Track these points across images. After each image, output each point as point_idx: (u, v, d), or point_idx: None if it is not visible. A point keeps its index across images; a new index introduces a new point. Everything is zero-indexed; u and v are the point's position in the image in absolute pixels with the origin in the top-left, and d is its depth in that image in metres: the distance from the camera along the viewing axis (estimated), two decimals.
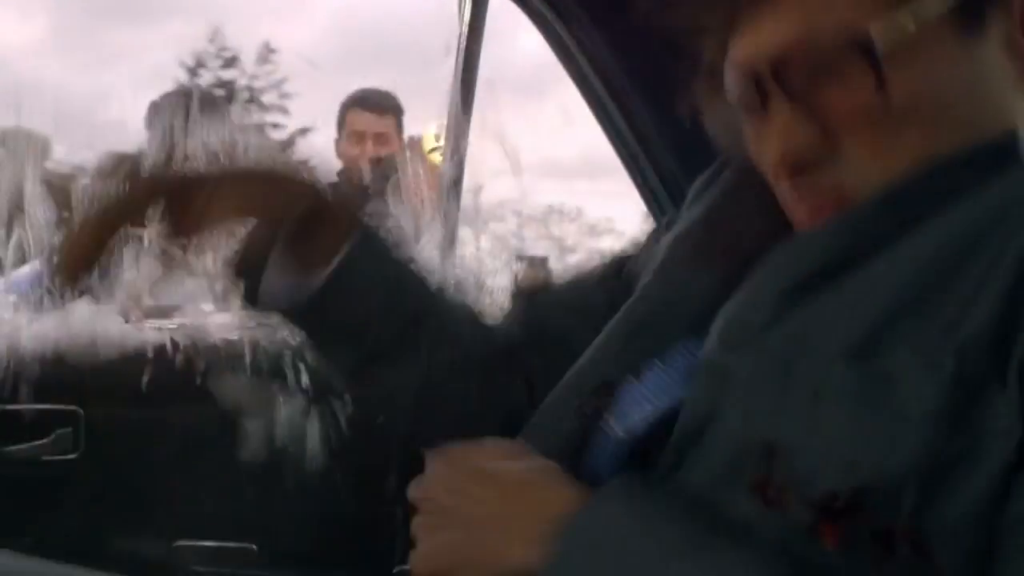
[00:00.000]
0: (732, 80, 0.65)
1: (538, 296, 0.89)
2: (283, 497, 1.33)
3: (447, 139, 1.64)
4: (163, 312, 1.42)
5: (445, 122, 1.63)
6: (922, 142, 0.59)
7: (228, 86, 9.24)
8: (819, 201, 0.61)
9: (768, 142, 0.63)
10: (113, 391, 1.35)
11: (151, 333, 1.38)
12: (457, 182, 1.65)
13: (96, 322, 1.32)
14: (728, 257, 0.69)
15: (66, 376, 1.32)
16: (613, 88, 1.48)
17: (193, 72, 9.23)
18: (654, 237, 0.83)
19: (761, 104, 0.62)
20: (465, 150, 1.63)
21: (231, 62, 9.13)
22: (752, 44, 0.62)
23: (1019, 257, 0.52)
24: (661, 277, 0.74)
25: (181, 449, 1.33)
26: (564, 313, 0.84)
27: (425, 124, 2.20)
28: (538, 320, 0.85)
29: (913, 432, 0.49)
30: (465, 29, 1.54)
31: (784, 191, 0.64)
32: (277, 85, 9.73)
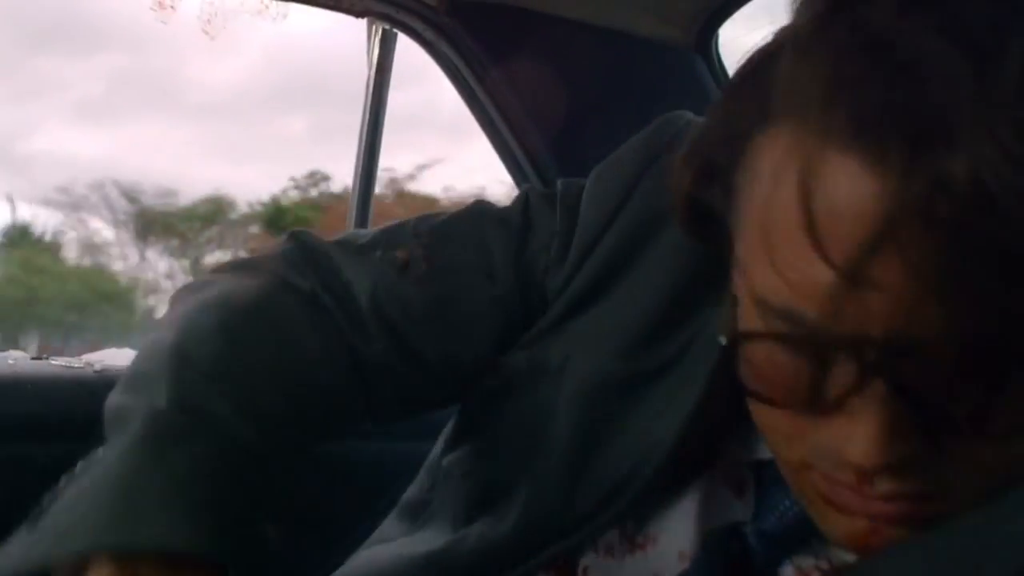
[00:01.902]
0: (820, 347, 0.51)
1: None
2: None
3: (354, 180, 1.63)
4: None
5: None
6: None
7: None
8: (906, 510, 0.51)
9: (855, 434, 0.50)
10: None
11: (28, 365, 1.33)
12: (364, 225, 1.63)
13: None
14: None
15: None
16: (518, 133, 1.48)
17: None
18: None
19: (853, 387, 0.50)
20: (372, 191, 1.62)
21: None
22: (868, 315, 0.47)
23: None
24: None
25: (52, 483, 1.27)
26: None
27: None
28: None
29: None
30: (373, 71, 1.53)
31: (847, 492, 0.52)
32: None
